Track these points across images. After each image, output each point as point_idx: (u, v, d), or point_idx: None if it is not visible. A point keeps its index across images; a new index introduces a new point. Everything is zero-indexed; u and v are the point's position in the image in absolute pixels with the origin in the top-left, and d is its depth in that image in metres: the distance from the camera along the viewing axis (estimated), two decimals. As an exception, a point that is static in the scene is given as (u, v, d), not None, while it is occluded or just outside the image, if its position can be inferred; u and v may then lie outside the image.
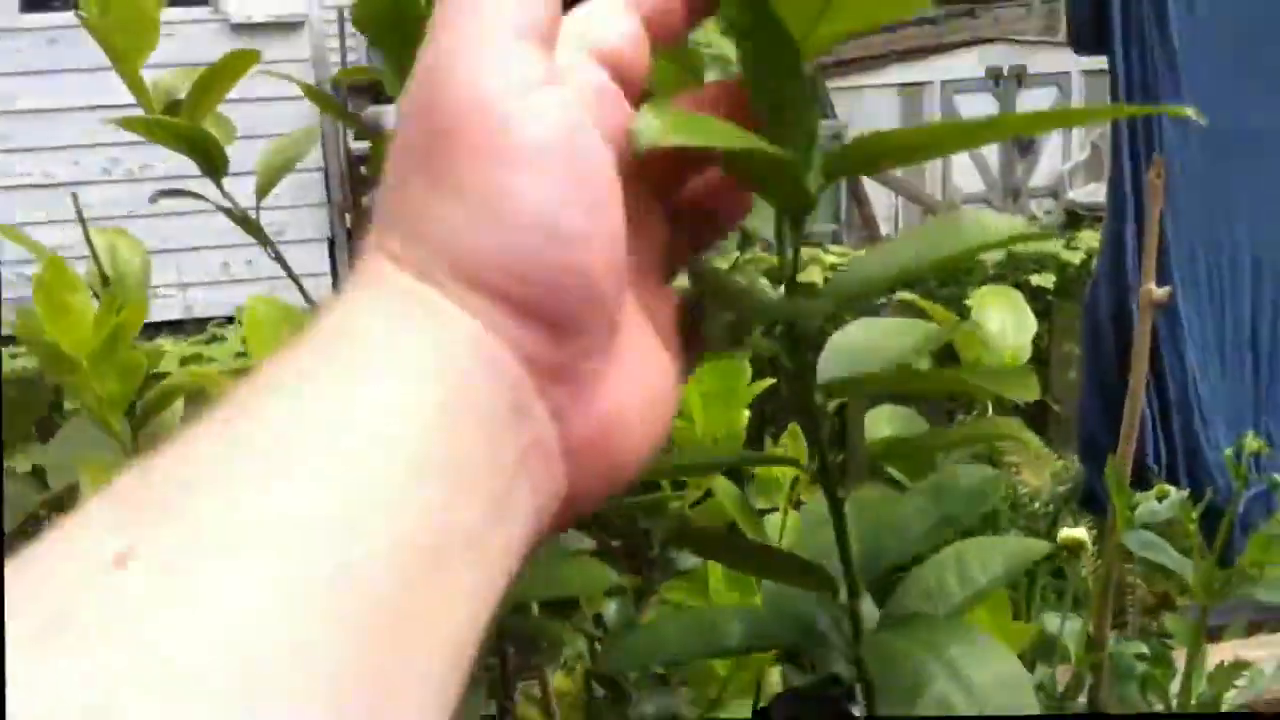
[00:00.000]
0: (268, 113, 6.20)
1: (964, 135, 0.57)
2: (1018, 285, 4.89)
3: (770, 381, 1.35)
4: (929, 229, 0.65)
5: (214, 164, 1.11)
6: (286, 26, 6.29)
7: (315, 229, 6.62)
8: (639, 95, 0.45)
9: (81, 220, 0.98)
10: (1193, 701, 1.67)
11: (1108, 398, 2.55)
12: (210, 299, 6.46)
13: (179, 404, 0.96)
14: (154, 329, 5.81)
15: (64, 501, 1.08)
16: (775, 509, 1.40)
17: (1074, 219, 6.93)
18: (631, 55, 0.45)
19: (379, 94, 8.10)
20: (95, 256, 0.96)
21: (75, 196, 1.07)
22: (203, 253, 6.36)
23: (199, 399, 0.99)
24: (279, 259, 1.15)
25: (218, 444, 0.34)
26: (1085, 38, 2.68)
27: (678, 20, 0.47)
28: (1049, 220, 7.28)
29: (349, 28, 7.24)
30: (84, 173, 6.19)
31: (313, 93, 1.09)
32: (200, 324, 5.97)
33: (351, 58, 7.75)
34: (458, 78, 0.39)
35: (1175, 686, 1.67)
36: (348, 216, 6.68)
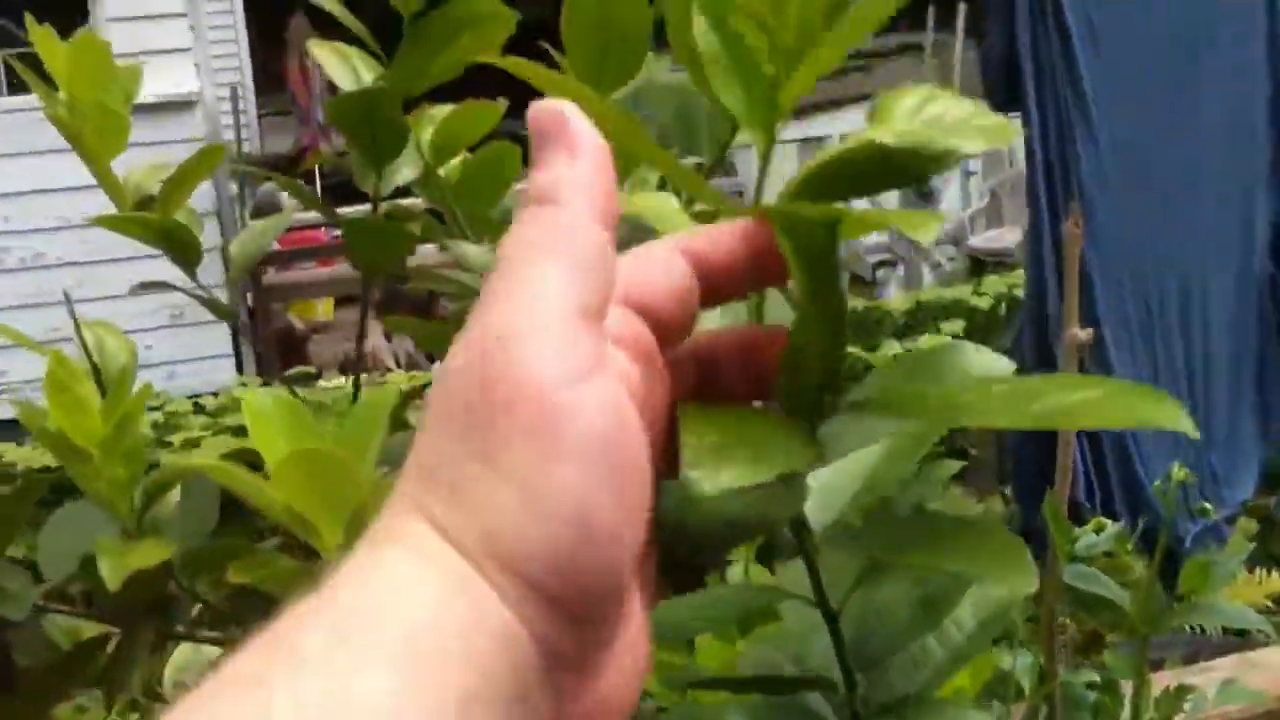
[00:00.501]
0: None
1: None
2: (926, 333, 5.00)
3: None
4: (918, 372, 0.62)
5: (189, 255, 1.14)
6: (179, 106, 6.26)
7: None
8: (678, 344, 0.47)
9: (73, 314, 1.00)
10: (1141, 724, 1.73)
11: (1037, 440, 2.62)
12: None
13: (177, 490, 0.98)
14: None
15: (64, 592, 1.09)
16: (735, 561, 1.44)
17: (977, 265, 7.08)
18: (674, 310, 0.46)
19: (276, 171, 8.09)
20: (85, 349, 0.98)
21: (68, 296, 1.09)
22: (103, 338, 6.27)
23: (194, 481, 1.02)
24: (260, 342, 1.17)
25: None
26: (998, 91, 2.76)
27: (737, 281, 0.48)
28: (952, 267, 7.42)
29: (242, 105, 7.23)
30: (-23, 263, 6.11)
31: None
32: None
33: (245, 134, 7.74)
34: (516, 360, 0.39)
35: (1125, 714, 1.74)
36: (249, 296, 6.65)
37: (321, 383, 5.54)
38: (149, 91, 6.30)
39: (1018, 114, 2.66)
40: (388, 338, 6.89)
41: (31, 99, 6.23)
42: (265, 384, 5.00)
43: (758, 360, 0.50)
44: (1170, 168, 2.73)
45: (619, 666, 0.43)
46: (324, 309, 7.76)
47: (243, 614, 1.13)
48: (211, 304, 1.18)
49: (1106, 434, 2.70)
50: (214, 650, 1.39)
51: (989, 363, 0.62)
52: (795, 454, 0.47)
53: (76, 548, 1.08)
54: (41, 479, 1.04)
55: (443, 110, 1.17)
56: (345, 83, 1.11)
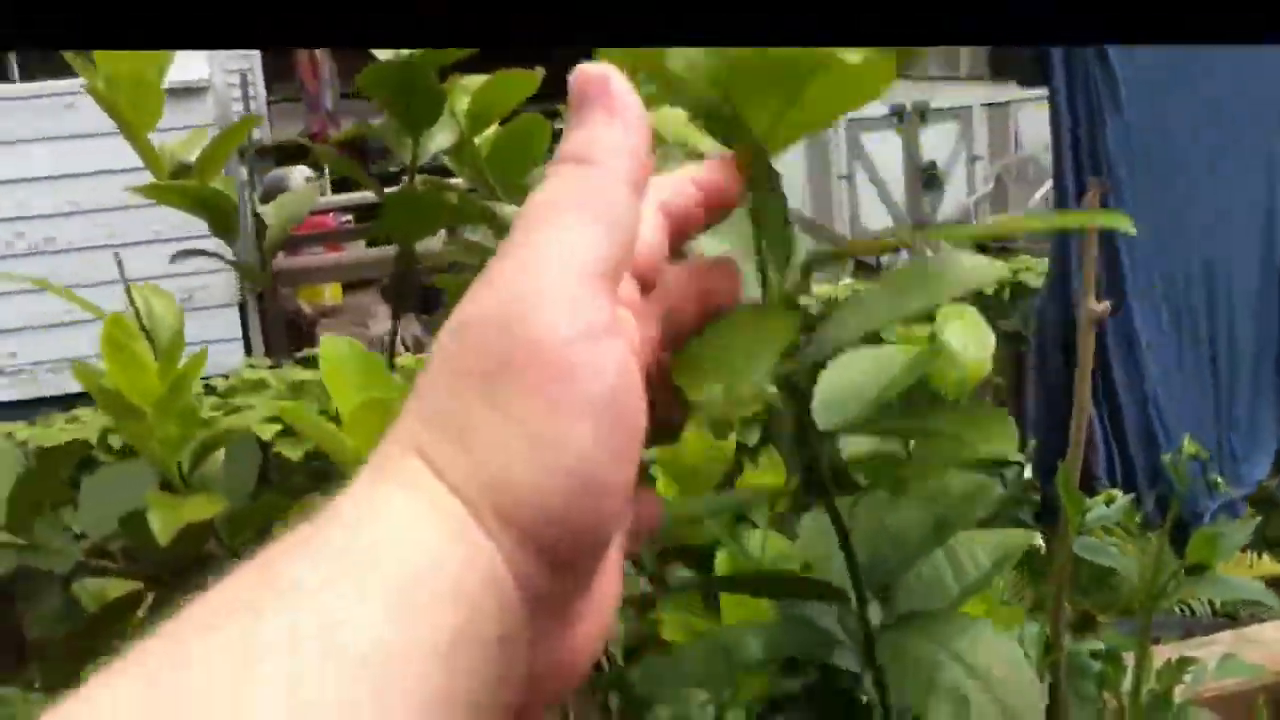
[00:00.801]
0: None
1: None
2: (934, 316, 5.02)
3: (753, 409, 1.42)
4: (916, 273, 0.69)
5: (226, 223, 1.16)
6: (190, 91, 6.28)
7: (224, 295, 6.60)
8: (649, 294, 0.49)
9: (123, 277, 1.03)
10: (1143, 695, 1.76)
11: (1056, 415, 2.65)
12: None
13: (221, 452, 1.01)
14: (70, 401, 5.75)
15: (106, 550, 1.12)
16: (756, 525, 1.46)
17: (981, 250, 7.08)
18: (656, 266, 0.48)
19: (282, 158, 8.10)
20: (136, 312, 1.01)
21: (119, 259, 1.12)
22: (113, 322, 6.30)
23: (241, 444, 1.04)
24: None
25: (232, 655, 0.35)
26: (1026, 70, 2.79)
27: (696, 223, 0.51)
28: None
29: (251, 91, 7.24)
30: (-11, 247, 6.13)
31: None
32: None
33: (261, 116, 7.76)
34: (535, 314, 0.40)
35: (1127, 684, 1.76)
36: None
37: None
38: (160, 77, 6.28)
39: (1044, 91, 2.68)
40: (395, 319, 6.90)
41: (46, 85, 6.25)
42: (274, 366, 5.02)
43: (709, 289, 0.52)
44: (1196, 151, 2.75)
45: (593, 615, 0.44)
46: (332, 294, 7.78)
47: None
48: (247, 270, 1.21)
49: (1129, 411, 2.73)
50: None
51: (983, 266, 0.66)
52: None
53: (116, 507, 1.11)
54: (76, 444, 1.06)
55: (475, 80, 1.19)
56: (381, 52, 1.13)
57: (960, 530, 0.89)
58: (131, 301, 1.01)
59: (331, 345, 0.83)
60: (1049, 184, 8.08)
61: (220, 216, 1.16)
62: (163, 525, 0.90)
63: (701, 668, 0.90)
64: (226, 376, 5.55)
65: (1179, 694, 1.80)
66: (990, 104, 8.09)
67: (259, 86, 8.06)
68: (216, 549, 1.14)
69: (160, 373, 0.90)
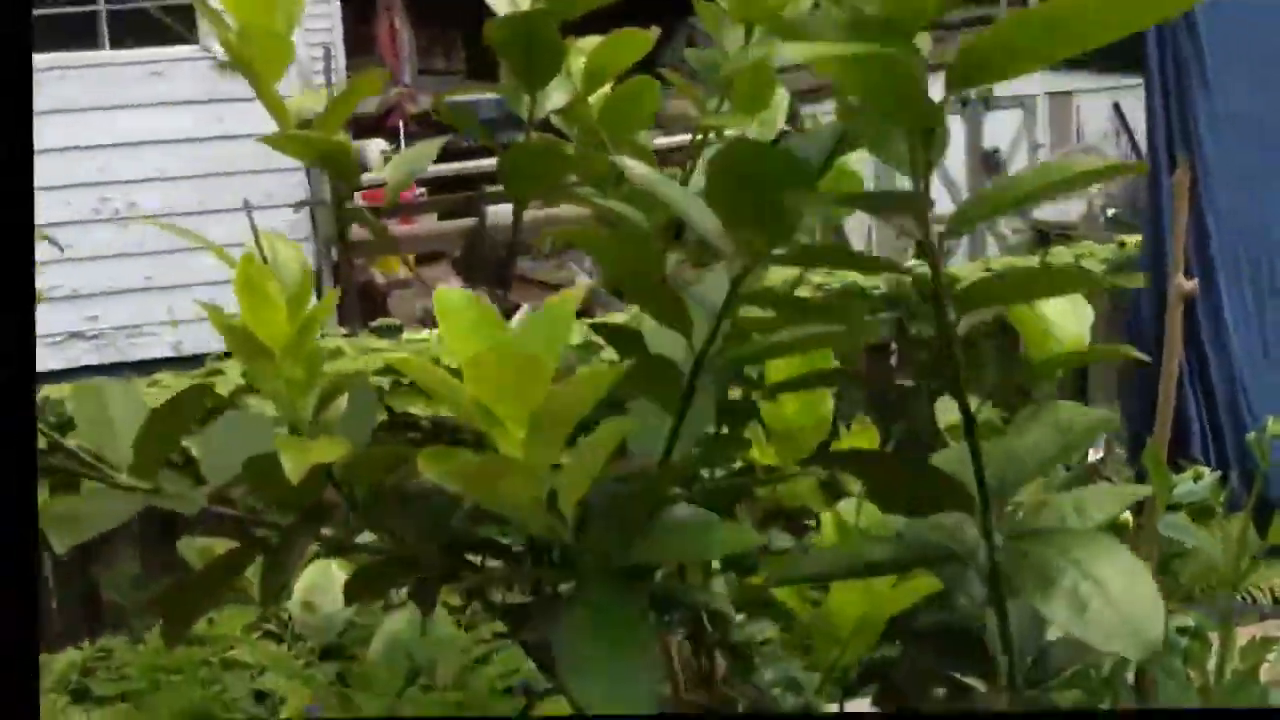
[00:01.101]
0: (244, 150, 6.28)
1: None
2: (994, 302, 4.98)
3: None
4: (1043, 169, 0.79)
5: (346, 174, 1.18)
6: (273, 64, 6.34)
7: (302, 263, 6.67)
8: None
9: (253, 225, 1.05)
10: (1227, 674, 1.76)
11: (1151, 395, 2.66)
12: (199, 336, 6.49)
13: (344, 397, 1.03)
14: (149, 366, 5.83)
15: (227, 494, 1.14)
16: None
17: (1042, 238, 7.04)
18: None
19: (361, 129, 8.17)
20: (264, 259, 1.03)
21: (249, 206, 1.14)
22: (193, 289, 6.39)
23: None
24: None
25: None
26: (1120, 55, 2.80)
27: None
28: (1016, 239, 7.39)
29: (338, 64, 7.31)
30: (75, 212, 6.22)
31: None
32: (191, 361, 5.99)
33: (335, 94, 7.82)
34: None
35: (1211, 661, 1.77)
36: (333, 250, 6.73)
37: (406, 335, 5.60)
38: (244, 47, 6.37)
39: (1137, 77, 2.69)
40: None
41: (134, 53, 6.32)
42: (349, 335, 5.07)
43: None
44: (1284, 138, 2.75)
45: None
46: (405, 265, 7.84)
47: (392, 521, 1.17)
48: (375, 228, 1.23)
49: (1221, 390, 2.72)
50: (342, 573, 1.44)
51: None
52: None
53: (237, 454, 1.13)
54: (202, 385, 1.09)
55: (590, 41, 1.21)
56: (502, 8, 1.15)
57: (1076, 456, 0.94)
58: (259, 246, 1.03)
59: (446, 296, 0.84)
60: (1112, 173, 8.03)
61: (341, 168, 1.18)
62: (294, 465, 0.92)
63: (830, 563, 0.94)
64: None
65: (1268, 672, 1.81)
66: (1053, 93, 8.05)
67: (339, 59, 8.14)
68: (333, 496, 1.16)
69: (290, 314, 0.92)
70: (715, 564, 1.25)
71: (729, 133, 1.20)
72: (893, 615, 1.10)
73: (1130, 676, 1.67)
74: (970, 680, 1.05)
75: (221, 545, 1.39)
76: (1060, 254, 6.05)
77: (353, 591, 1.28)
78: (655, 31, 1.16)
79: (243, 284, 0.92)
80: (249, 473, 1.10)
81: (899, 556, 0.98)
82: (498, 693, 1.94)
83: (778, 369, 1.26)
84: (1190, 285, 1.75)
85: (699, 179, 1.17)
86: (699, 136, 1.23)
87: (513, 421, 0.81)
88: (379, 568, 1.21)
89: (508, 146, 1.20)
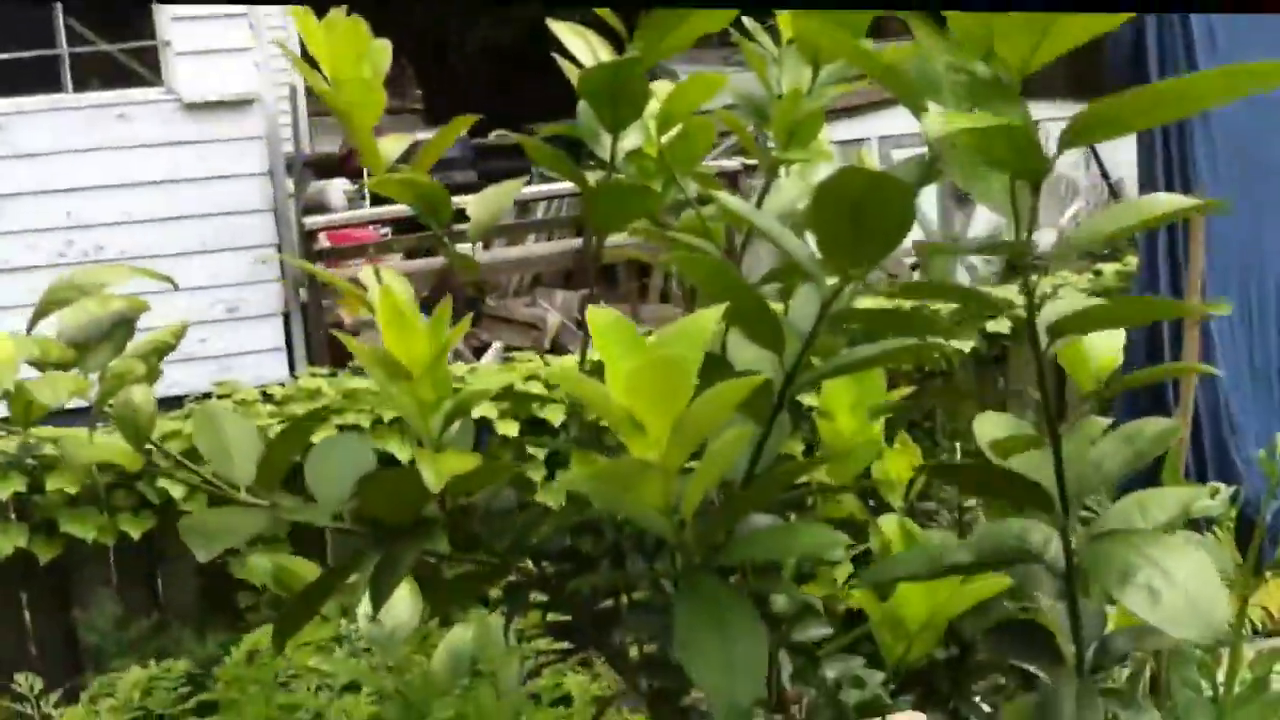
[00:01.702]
0: (210, 191, 6.33)
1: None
2: (974, 329, 5.12)
3: (903, 391, 1.53)
4: (1116, 210, 0.92)
5: (439, 213, 1.27)
6: (239, 104, 6.40)
7: (270, 305, 6.71)
8: None
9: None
10: (1236, 685, 1.86)
11: (1139, 411, 2.77)
12: (173, 378, 6.50)
13: (470, 419, 1.11)
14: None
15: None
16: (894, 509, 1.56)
17: (1013, 269, 7.17)
18: None
19: (324, 170, 8.23)
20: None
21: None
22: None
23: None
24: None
25: None
26: (1093, 83, 2.92)
27: None
28: (986, 270, 7.52)
29: (300, 104, 7.38)
30: (42, 256, 6.24)
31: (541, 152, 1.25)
32: (170, 403, 6.01)
33: (302, 130, 7.88)
34: None
35: (1222, 672, 1.87)
36: (302, 291, 6.78)
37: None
38: (211, 91, 6.42)
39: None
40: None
41: (98, 95, 6.33)
42: (332, 374, 5.12)
43: None
44: (1277, 176, 2.88)
45: None
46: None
47: (488, 536, 1.26)
48: (462, 260, 1.31)
49: (1204, 401, 2.84)
50: (406, 590, 1.50)
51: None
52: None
53: (346, 474, 1.22)
54: (315, 412, 1.17)
55: (663, 86, 1.30)
56: (584, 57, 1.24)
57: (1148, 462, 1.04)
58: (379, 282, 1.11)
59: (598, 315, 0.93)
60: (1080, 202, 8.17)
61: (431, 206, 1.26)
62: (433, 474, 1.00)
63: (918, 564, 1.03)
64: (283, 384, 5.66)
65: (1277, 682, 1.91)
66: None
67: (301, 100, 8.20)
68: (433, 512, 1.24)
69: (430, 339, 1.00)
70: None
71: (796, 167, 1.30)
72: (963, 612, 1.20)
73: (1146, 682, 1.77)
74: (1037, 669, 1.15)
75: (301, 563, 1.47)
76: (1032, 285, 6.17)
77: (440, 600, 1.36)
78: (728, 77, 1.25)
79: (387, 312, 1.00)
80: (363, 490, 1.18)
81: (980, 558, 1.07)
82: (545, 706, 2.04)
83: (834, 387, 1.37)
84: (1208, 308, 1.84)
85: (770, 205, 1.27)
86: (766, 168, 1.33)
87: (656, 428, 0.90)
88: (471, 577, 1.29)
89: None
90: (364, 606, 1.63)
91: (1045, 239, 4.25)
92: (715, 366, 1.15)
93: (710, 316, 0.95)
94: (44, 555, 4.30)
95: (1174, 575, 0.94)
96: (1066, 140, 0.76)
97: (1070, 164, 8.10)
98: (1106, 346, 1.57)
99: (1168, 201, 0.87)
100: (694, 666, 0.98)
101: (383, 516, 1.18)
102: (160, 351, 1.26)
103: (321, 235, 7.26)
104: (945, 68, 0.84)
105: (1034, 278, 0.88)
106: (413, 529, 1.20)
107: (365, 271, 1.16)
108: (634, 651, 1.34)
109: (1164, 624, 0.94)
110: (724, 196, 1.08)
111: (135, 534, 4.32)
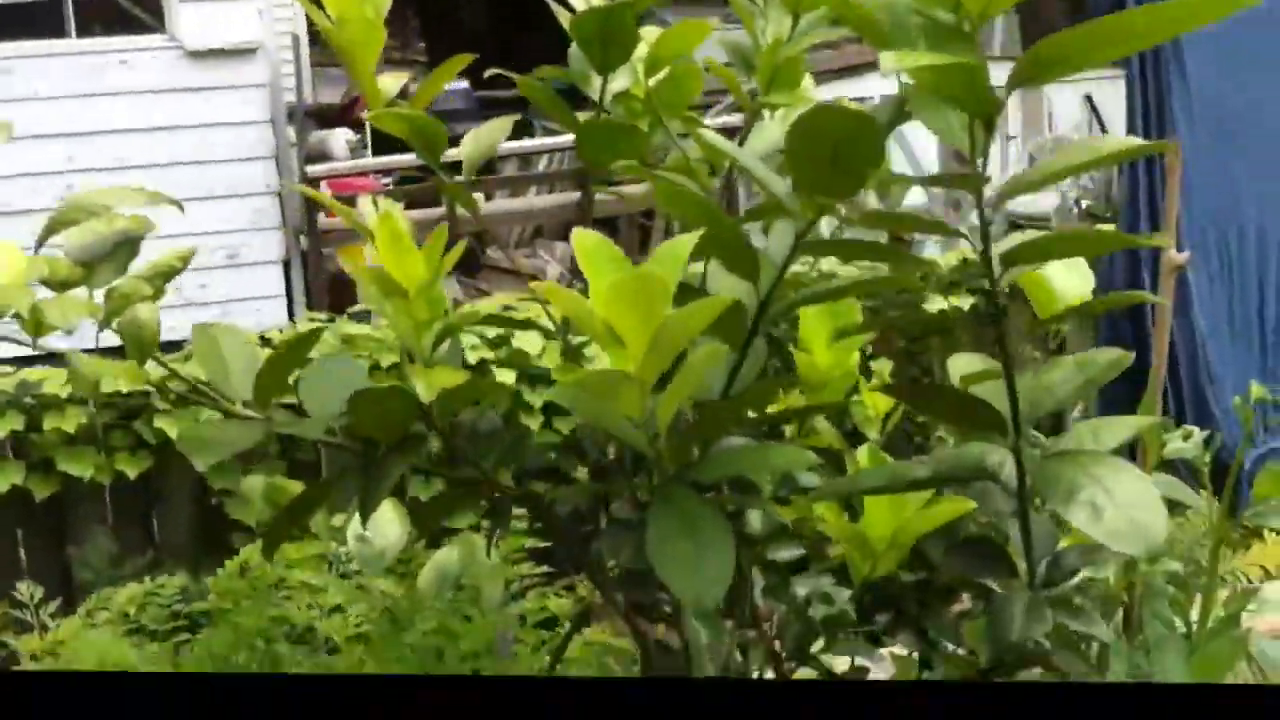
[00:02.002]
0: (211, 139, 6.37)
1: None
2: (971, 291, 5.16)
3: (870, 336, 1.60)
4: (1072, 149, 0.95)
5: (434, 149, 1.32)
6: (241, 53, 6.42)
7: (270, 252, 6.75)
8: None
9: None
10: (1209, 622, 1.93)
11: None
12: (170, 322, 6.55)
13: (459, 338, 1.17)
14: (120, 354, 5.89)
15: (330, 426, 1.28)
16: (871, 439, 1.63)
17: (1014, 229, 7.20)
18: None
19: (324, 119, 8.25)
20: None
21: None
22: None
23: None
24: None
25: None
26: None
27: None
28: (998, 230, 7.54)
29: (303, 53, 7.39)
30: (43, 200, 6.28)
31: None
32: (171, 346, 6.06)
33: (305, 79, 7.89)
34: None
35: (1195, 609, 1.94)
36: (302, 239, 6.82)
37: (381, 321, 5.70)
38: (214, 38, 6.42)
39: (1107, 70, 2.88)
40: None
41: (100, 41, 6.35)
42: (330, 319, 5.17)
43: None
44: (1256, 116, 2.93)
45: None
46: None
47: (473, 454, 1.32)
48: (461, 196, 1.36)
49: (1182, 350, 2.92)
50: (392, 510, 1.56)
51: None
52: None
53: (339, 391, 1.28)
54: (315, 330, 1.23)
55: (652, 30, 1.36)
56: (578, 2, 1.30)
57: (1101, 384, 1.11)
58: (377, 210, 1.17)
59: (584, 236, 0.99)
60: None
61: (427, 141, 1.32)
62: (426, 387, 1.07)
63: (876, 480, 1.10)
64: (281, 330, 5.72)
65: (1247, 620, 1.98)
66: (1024, 83, 8.21)
67: (304, 48, 8.22)
68: (420, 428, 1.30)
69: (426, 259, 1.06)
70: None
71: (780, 111, 1.35)
72: (929, 535, 1.26)
73: (1120, 618, 1.84)
74: (993, 584, 1.21)
75: (292, 483, 1.53)
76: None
77: (425, 517, 1.43)
78: (715, 22, 1.31)
79: (385, 233, 1.06)
80: (354, 406, 1.24)
81: (937, 474, 1.14)
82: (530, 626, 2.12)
83: (811, 322, 1.43)
84: (1181, 258, 1.91)
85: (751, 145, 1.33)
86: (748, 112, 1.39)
87: (634, 341, 0.96)
88: (454, 493, 1.35)
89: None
90: (353, 528, 1.70)
91: (1048, 201, 4.33)
92: (694, 295, 1.22)
93: (687, 241, 1.02)
94: (40, 493, 4.34)
95: (1116, 494, 1.01)
96: (1015, 81, 0.81)
97: (1072, 126, 8.13)
98: (1076, 286, 1.63)
99: (1117, 143, 0.93)
100: (665, 569, 1.04)
101: (373, 432, 1.24)
102: (166, 275, 1.32)
103: (323, 184, 7.29)
104: (908, 11, 0.89)
105: (988, 210, 0.94)
106: (401, 444, 1.26)
107: (363, 199, 1.21)
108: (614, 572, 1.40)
109: (1105, 538, 1.01)
110: (706, 133, 1.13)
111: (132, 473, 4.37)
